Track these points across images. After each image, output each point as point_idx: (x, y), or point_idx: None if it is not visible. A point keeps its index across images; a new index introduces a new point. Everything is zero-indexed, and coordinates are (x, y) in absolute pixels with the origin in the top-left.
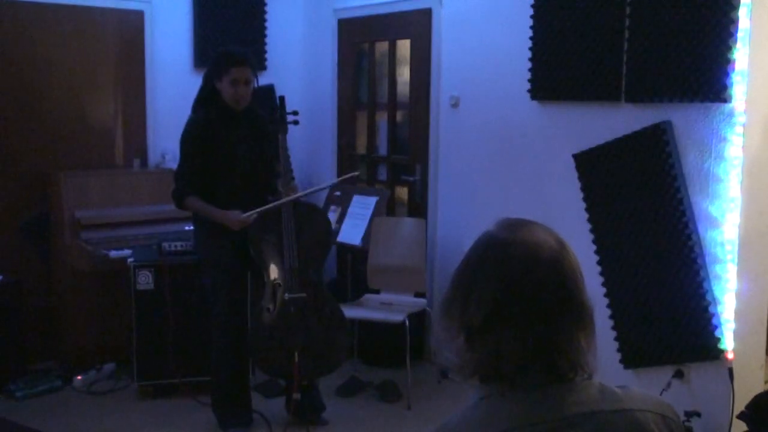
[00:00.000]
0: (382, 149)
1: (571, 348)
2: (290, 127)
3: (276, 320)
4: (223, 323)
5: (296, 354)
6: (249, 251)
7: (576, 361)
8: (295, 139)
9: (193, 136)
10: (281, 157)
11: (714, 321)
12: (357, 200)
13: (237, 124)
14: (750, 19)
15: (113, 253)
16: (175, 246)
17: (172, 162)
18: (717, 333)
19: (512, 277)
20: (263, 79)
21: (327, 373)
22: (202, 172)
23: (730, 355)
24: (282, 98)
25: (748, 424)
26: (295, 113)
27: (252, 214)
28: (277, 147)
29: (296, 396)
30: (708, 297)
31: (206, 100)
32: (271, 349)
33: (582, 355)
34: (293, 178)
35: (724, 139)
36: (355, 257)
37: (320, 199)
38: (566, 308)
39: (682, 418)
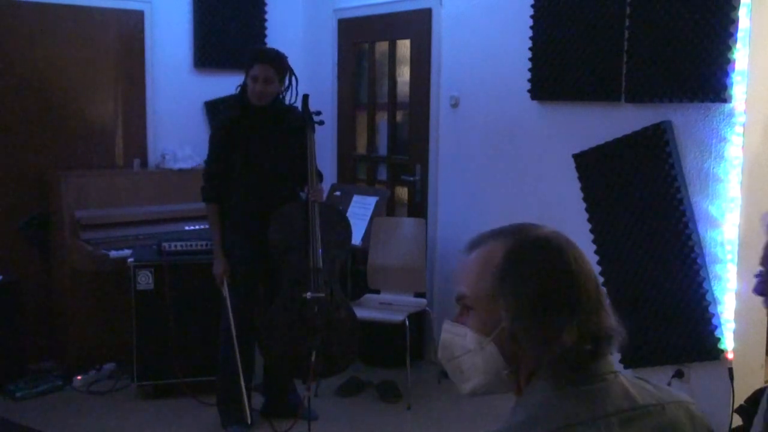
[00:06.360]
0: (382, 149)
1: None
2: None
3: (295, 319)
4: (234, 320)
5: (313, 353)
6: (267, 249)
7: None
8: None
9: (216, 134)
10: (308, 158)
11: (714, 321)
12: (357, 200)
13: (261, 121)
14: (750, 19)
15: (113, 253)
16: (175, 246)
17: (172, 162)
18: (717, 333)
19: (558, 267)
20: None
21: (337, 373)
22: (224, 170)
23: (730, 355)
24: (306, 96)
25: (744, 419)
26: (318, 113)
27: (225, 290)
28: (303, 147)
29: (307, 394)
30: (708, 297)
31: (238, 98)
32: (287, 347)
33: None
34: (322, 177)
35: (724, 139)
36: (355, 257)
37: None
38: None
39: None
